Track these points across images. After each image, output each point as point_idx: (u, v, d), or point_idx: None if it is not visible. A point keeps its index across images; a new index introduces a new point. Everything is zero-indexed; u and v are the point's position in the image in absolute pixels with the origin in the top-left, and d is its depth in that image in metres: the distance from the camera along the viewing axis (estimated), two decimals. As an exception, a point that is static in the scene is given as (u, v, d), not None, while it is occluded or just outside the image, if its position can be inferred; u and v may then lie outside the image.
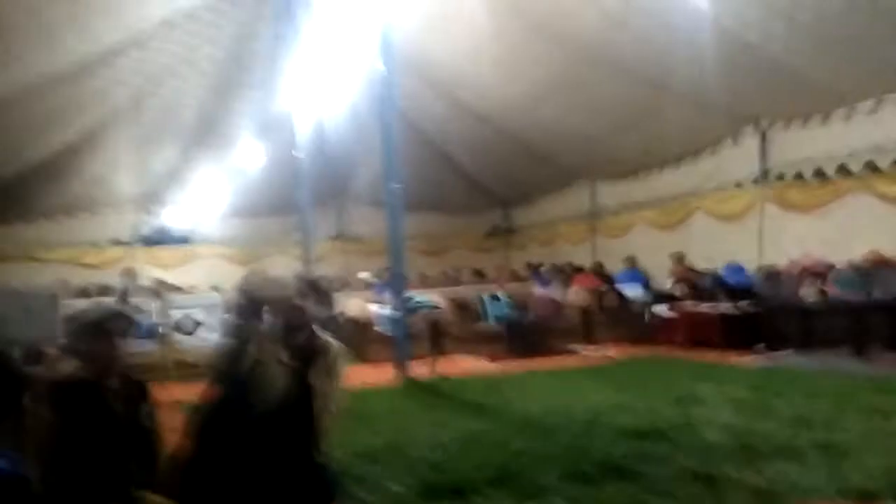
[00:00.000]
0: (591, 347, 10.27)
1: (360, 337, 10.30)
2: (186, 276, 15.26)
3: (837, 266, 9.10)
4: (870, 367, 7.12)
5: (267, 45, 12.27)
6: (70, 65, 10.16)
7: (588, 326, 11.07)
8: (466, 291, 12.00)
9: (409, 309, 8.94)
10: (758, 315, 9.39)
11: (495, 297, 11.32)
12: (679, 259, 11.62)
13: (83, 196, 14.51)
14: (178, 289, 13.61)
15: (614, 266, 13.23)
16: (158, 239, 15.74)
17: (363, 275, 14.30)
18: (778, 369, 7.49)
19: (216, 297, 10.55)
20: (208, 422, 3.13)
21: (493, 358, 9.62)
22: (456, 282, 14.48)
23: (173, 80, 12.20)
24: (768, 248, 10.50)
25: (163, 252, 15.73)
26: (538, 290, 11.90)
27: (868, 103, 9.08)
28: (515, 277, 14.67)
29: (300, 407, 3.21)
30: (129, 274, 13.38)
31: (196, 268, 15.70)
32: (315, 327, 3.40)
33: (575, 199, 15.24)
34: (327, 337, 3.43)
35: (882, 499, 3.36)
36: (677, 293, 10.85)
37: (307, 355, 3.31)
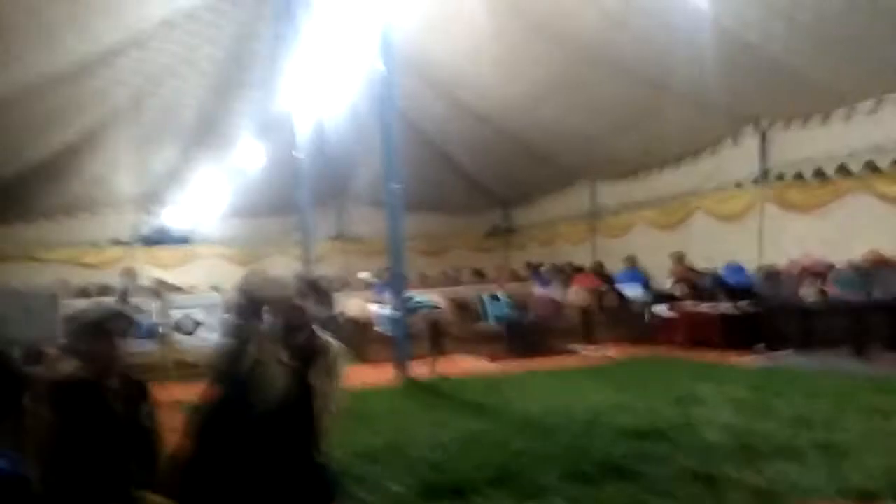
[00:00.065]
0: (591, 347, 10.27)
1: (360, 337, 10.30)
2: (186, 276, 15.26)
3: (837, 266, 9.11)
4: (870, 367, 7.12)
5: (267, 45, 12.27)
6: (70, 65, 10.16)
7: (588, 326, 11.07)
8: (466, 291, 12.00)
9: (409, 309, 8.94)
10: (758, 315, 9.39)
11: (495, 297, 11.32)
12: (679, 259, 11.62)
13: (83, 196, 14.52)
14: (178, 289, 13.61)
15: (614, 266, 13.24)
16: (158, 239, 15.75)
17: (363, 275, 14.31)
18: (778, 369, 7.49)
19: (216, 297, 10.55)
20: (208, 422, 3.13)
21: (493, 358, 9.62)
22: (456, 282, 14.48)
23: (173, 80, 12.21)
24: (768, 248, 10.51)
25: (163, 252, 15.73)
26: (538, 290, 11.90)
27: (868, 103, 9.08)
28: (515, 277, 14.67)
29: (300, 407, 3.20)
30: (129, 274, 13.39)
31: (196, 268, 15.70)
32: (315, 327, 3.40)
33: (575, 199, 15.24)
34: (327, 337, 3.43)
35: (882, 499, 3.36)
36: (677, 293, 10.85)
37: (307, 355, 3.31)
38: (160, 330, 9.07)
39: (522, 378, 7.79)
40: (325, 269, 14.39)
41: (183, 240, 15.99)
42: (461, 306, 11.12)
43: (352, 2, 9.93)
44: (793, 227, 10.16)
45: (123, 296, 9.28)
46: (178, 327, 9.13)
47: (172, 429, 3.24)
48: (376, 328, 10.16)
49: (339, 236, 17.15)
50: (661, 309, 10.68)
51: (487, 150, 14.54)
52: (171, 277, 14.84)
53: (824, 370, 7.07)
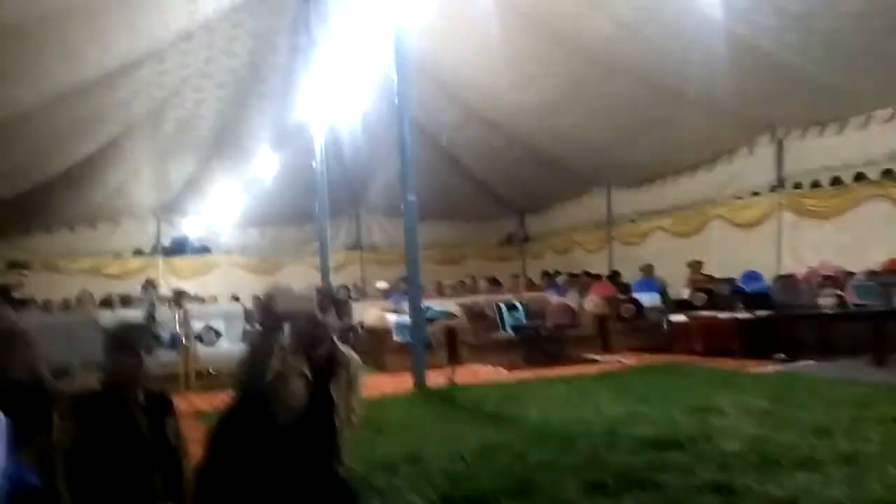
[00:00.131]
0: (608, 356, 10.24)
1: (377, 346, 10.34)
2: (205, 285, 15.41)
3: (855, 274, 9.05)
4: (890, 376, 7.05)
5: (283, 56, 12.41)
6: (91, 78, 10.34)
7: (604, 335, 11.04)
8: (482, 300, 12.01)
9: (426, 318, 8.96)
10: (776, 323, 9.33)
11: (511, 306, 11.32)
12: (696, 267, 11.58)
13: (104, 207, 14.70)
14: (197, 299, 13.74)
15: (630, 274, 13.21)
16: (178, 249, 15.91)
17: (379, 284, 14.37)
18: (796, 378, 7.43)
19: (236, 308, 10.64)
20: (229, 433, 3.16)
21: (510, 367, 9.61)
22: (472, 291, 14.50)
23: (192, 92, 12.38)
24: (785, 255, 10.47)
25: (182, 262, 15.89)
26: (554, 299, 11.88)
27: (886, 111, 9.04)
28: (531, 286, 14.67)
29: (320, 419, 3.23)
30: (150, 285, 13.52)
31: (215, 277, 15.85)
32: (335, 340, 3.43)
33: (590, 207, 15.24)
34: (347, 349, 3.46)
35: (905, 511, 3.34)
36: (694, 301, 10.80)
37: (327, 368, 3.34)
38: (181, 341, 9.14)
39: (539, 387, 7.77)
40: (342, 279, 14.47)
41: (202, 250, 16.15)
42: (477, 315, 11.13)
43: (366, 13, 10.00)
44: (810, 234, 10.12)
45: (151, 311, 9.34)
46: (198, 337, 9.19)
47: (194, 440, 3.28)
48: (393, 337, 10.18)
49: (356, 245, 17.24)
50: (678, 317, 10.63)
51: (502, 158, 14.58)
52: (190, 287, 14.98)
53: (843, 379, 7.01)
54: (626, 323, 11.23)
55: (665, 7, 8.65)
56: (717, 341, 9.67)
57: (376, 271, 15.74)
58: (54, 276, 14.52)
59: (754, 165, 11.10)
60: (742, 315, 9.63)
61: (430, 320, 9.62)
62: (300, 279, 14.50)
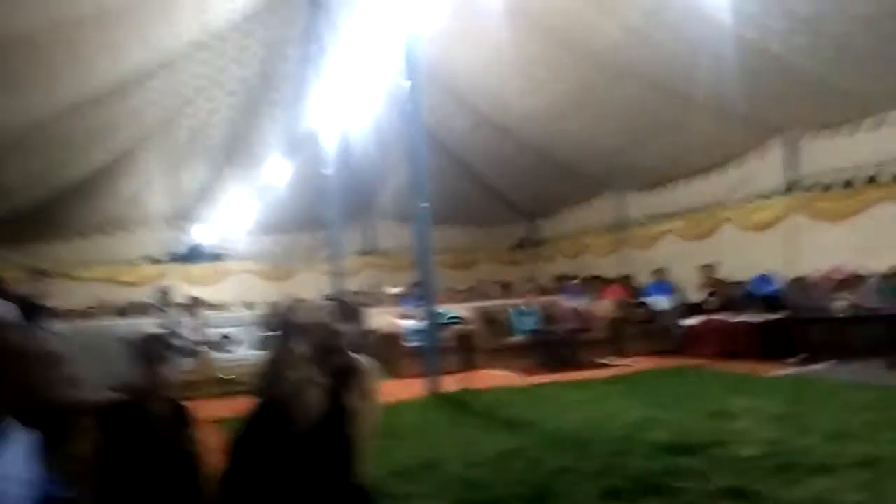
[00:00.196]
0: (621, 360, 10.23)
1: (389, 352, 10.36)
2: (218, 292, 15.46)
3: (868, 276, 9.00)
4: (906, 379, 7.02)
5: (294, 65, 12.49)
6: (104, 87, 10.43)
7: (618, 339, 11.03)
8: (494, 305, 12.02)
9: (438, 323, 8.99)
10: (790, 326, 9.30)
11: (523, 311, 11.33)
12: (708, 270, 11.55)
13: (118, 215, 14.81)
14: (211, 305, 13.81)
15: (642, 277, 13.19)
16: (191, 256, 16.00)
17: (391, 289, 14.40)
18: (811, 381, 7.41)
19: (249, 315, 10.70)
20: (250, 443, 3.19)
21: (523, 372, 9.61)
22: (483, 295, 14.50)
23: (204, 101, 12.46)
24: (798, 258, 10.41)
25: (195, 269, 15.96)
26: (566, 303, 11.88)
27: (897, 112, 9.00)
28: (543, 290, 14.66)
29: (336, 428, 3.25)
30: (164, 292, 13.60)
31: (227, 284, 15.91)
32: (350, 349, 3.46)
33: (601, 211, 15.22)
34: (361, 357, 3.48)
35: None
36: (707, 304, 10.77)
37: (342, 376, 3.36)
38: (195, 347, 9.19)
39: (553, 392, 7.78)
40: (354, 285, 14.51)
41: (214, 256, 16.23)
42: (490, 320, 11.15)
43: (376, 20, 10.06)
44: (822, 237, 10.07)
45: (168, 320, 9.40)
46: (212, 344, 9.25)
47: (212, 446, 3.31)
48: (405, 343, 10.21)
49: (367, 251, 17.28)
50: (691, 321, 10.61)
51: (512, 162, 14.59)
52: (203, 294, 15.04)
53: (859, 382, 6.98)
54: (639, 327, 11.21)
55: (674, 11, 8.65)
56: (731, 345, 9.66)
57: (387, 276, 15.76)
58: (69, 284, 14.61)
59: (765, 168, 11.07)
60: (756, 318, 9.60)
61: (444, 325, 9.63)
62: (312, 285, 14.57)
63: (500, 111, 13.00)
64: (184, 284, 15.35)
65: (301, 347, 3.32)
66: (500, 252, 18.23)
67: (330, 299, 12.24)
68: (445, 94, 12.36)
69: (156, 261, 15.79)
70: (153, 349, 3.12)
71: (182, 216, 15.95)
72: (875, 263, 9.02)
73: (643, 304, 11.59)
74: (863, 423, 5.10)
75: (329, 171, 12.58)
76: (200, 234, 16.20)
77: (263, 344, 8.74)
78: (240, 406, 3.30)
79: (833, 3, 7.62)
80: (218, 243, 16.29)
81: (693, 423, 5.52)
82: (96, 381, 2.95)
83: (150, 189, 14.31)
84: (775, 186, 10.92)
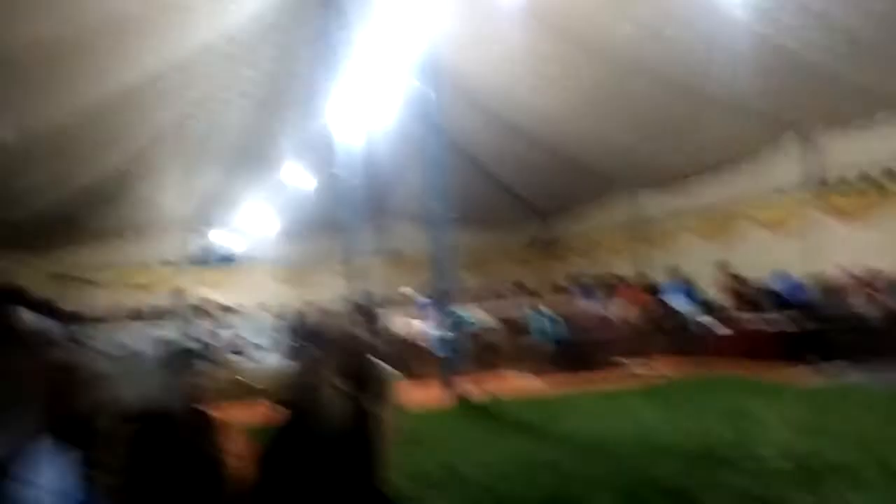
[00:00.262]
0: (639, 361, 10.15)
1: (406, 354, 10.34)
2: (234, 295, 15.53)
3: (889, 274, 8.87)
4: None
5: (307, 66, 12.49)
6: (121, 93, 10.49)
7: (635, 340, 10.95)
8: (510, 306, 11.99)
9: (455, 325, 8.96)
10: (811, 327, 9.17)
11: (541, 313, 11.28)
12: (725, 269, 11.46)
13: (133, 218, 14.89)
14: (228, 308, 13.85)
15: (658, 275, 13.11)
16: (206, 259, 16.06)
17: (407, 291, 14.38)
18: (833, 385, 7.33)
19: (265, 318, 10.72)
20: (280, 453, 3.19)
21: (541, 374, 9.58)
22: (498, 296, 14.46)
23: (217, 104, 12.49)
24: (816, 256, 10.31)
25: (211, 272, 16.02)
26: (582, 304, 11.82)
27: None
28: (558, 290, 14.60)
29: (357, 433, 3.25)
30: (180, 295, 13.67)
31: (243, 287, 15.96)
32: (372, 356, 3.46)
33: (616, 209, 15.15)
34: (380, 363, 3.49)
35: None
36: (725, 304, 10.68)
37: (365, 384, 3.36)
38: (213, 351, 9.23)
39: (571, 395, 7.75)
40: (369, 286, 14.51)
41: (230, 259, 16.29)
42: (506, 322, 11.12)
43: (391, 23, 10.06)
44: (840, 234, 9.98)
45: (188, 326, 9.44)
46: (229, 347, 9.27)
47: (234, 453, 3.31)
48: (422, 344, 10.20)
49: (383, 253, 17.25)
50: (710, 321, 10.51)
51: (525, 162, 14.54)
52: (219, 297, 15.12)
53: (882, 385, 6.88)
54: (656, 327, 11.12)
55: (686, 8, 8.59)
56: (751, 346, 9.56)
57: (402, 278, 15.74)
58: (85, 287, 14.71)
59: (782, 164, 10.98)
60: (775, 318, 9.49)
61: (463, 328, 9.61)
62: (329, 288, 14.60)
63: (513, 110, 12.96)
64: (201, 288, 15.43)
65: (325, 356, 3.33)
66: (513, 251, 18.18)
67: (348, 303, 12.28)
68: (459, 95, 12.31)
69: (173, 264, 15.86)
70: (180, 359, 3.12)
71: (199, 220, 16.01)
72: (894, 261, 8.89)
73: (663, 305, 11.48)
74: (887, 429, 5.05)
75: (344, 172, 12.58)
76: (217, 237, 16.26)
77: (281, 347, 8.78)
78: (260, 410, 3.30)
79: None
80: (235, 247, 16.34)
81: (713, 428, 5.46)
82: (130, 393, 2.96)
83: (167, 193, 14.37)
84: (792, 183, 10.82)
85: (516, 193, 16.86)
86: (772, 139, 11.07)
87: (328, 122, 12.69)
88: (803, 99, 9.77)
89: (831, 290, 9.53)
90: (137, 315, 13.26)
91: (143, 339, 8.29)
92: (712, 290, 11.60)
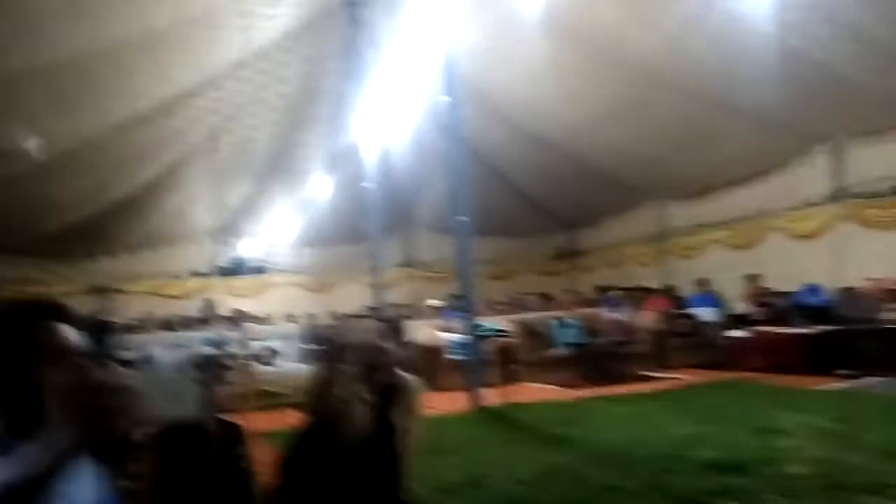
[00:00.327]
0: (666, 373, 10.08)
1: (429, 364, 10.37)
2: (262, 305, 15.73)
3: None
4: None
5: (334, 80, 12.67)
6: (151, 107, 10.74)
7: (661, 351, 10.89)
8: (534, 317, 11.97)
9: (479, 335, 8.99)
10: (839, 338, 9.07)
11: (565, 323, 11.26)
12: (753, 280, 11.36)
13: (163, 230, 15.17)
14: (255, 318, 14.02)
15: (685, 288, 13.02)
16: (235, 269, 16.30)
17: (431, 301, 14.44)
18: (862, 396, 7.23)
19: (292, 327, 10.83)
20: (301, 460, 3.25)
21: (565, 385, 9.55)
22: (523, 307, 14.45)
23: (246, 118, 12.72)
24: (845, 267, 10.19)
25: (239, 282, 16.26)
26: (608, 314, 11.77)
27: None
28: (583, 301, 14.56)
29: (382, 445, 3.29)
30: (208, 305, 13.86)
31: (271, 296, 16.17)
32: (396, 367, 3.50)
33: (642, 220, 15.09)
34: (406, 375, 3.52)
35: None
36: (753, 315, 10.58)
37: (388, 394, 3.40)
38: (240, 360, 9.34)
39: (596, 406, 7.71)
40: (393, 296, 14.61)
41: (258, 270, 16.52)
42: (530, 332, 11.10)
43: (415, 36, 10.16)
44: (869, 245, 9.84)
45: (217, 337, 9.58)
46: (256, 357, 9.38)
47: (259, 461, 3.37)
48: (447, 356, 10.22)
49: (407, 263, 17.36)
50: (737, 332, 10.42)
51: (550, 173, 14.56)
52: (247, 306, 15.32)
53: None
54: (683, 339, 11.05)
55: (713, 20, 8.58)
56: (779, 357, 9.43)
57: (426, 288, 15.82)
58: (118, 297, 14.97)
59: (809, 176, 10.89)
60: (804, 330, 9.39)
61: (485, 338, 9.62)
62: (354, 298, 14.72)
63: (538, 122, 13.00)
64: (228, 297, 15.64)
65: (349, 366, 3.38)
66: (538, 262, 18.17)
67: (373, 313, 12.36)
68: (484, 107, 12.39)
69: (201, 274, 16.11)
70: (209, 370, 3.20)
71: (226, 230, 16.25)
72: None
73: (687, 315, 11.41)
74: (918, 441, 4.97)
75: (370, 184, 12.70)
76: (244, 247, 16.49)
77: (308, 357, 8.86)
78: (285, 419, 3.37)
79: (876, 9, 7.49)
80: (261, 257, 16.56)
81: (740, 440, 5.42)
82: (165, 408, 3.05)
83: (195, 204, 14.63)
84: (820, 195, 10.72)
85: (541, 204, 16.86)
86: (800, 150, 10.98)
87: (354, 134, 12.83)
88: (831, 110, 9.70)
89: (859, 301, 9.41)
90: (167, 325, 13.46)
91: (173, 349, 8.41)
92: (739, 302, 11.49)
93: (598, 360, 10.33)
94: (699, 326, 11.26)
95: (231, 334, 10.13)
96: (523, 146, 13.72)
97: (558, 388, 9.46)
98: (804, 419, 5.94)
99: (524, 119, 13.12)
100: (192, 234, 15.85)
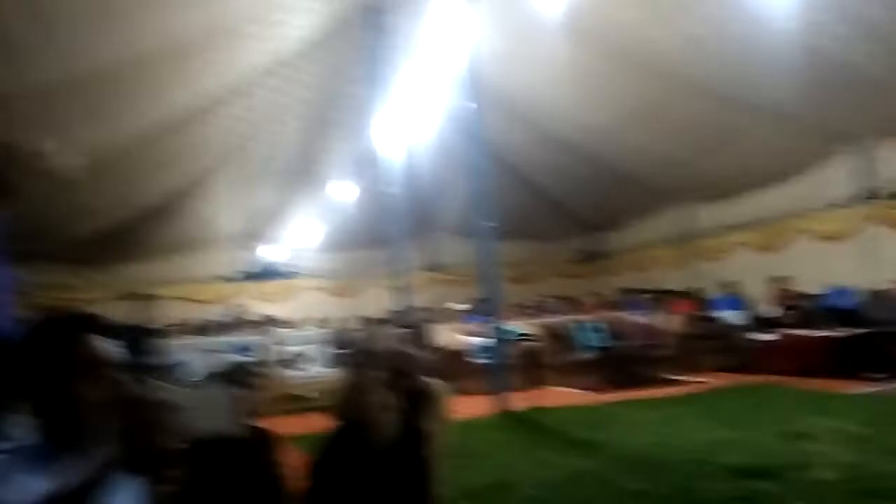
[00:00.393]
0: (692, 377, 10.01)
1: (453, 367, 10.39)
2: (288, 309, 15.85)
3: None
4: None
5: (358, 86, 12.75)
6: (180, 115, 10.89)
7: (687, 354, 10.81)
8: (558, 320, 11.95)
9: (503, 339, 9.00)
10: (867, 341, 8.95)
11: (592, 327, 11.23)
12: (780, 282, 11.25)
13: (192, 235, 15.33)
14: (282, 322, 14.14)
15: (711, 291, 12.92)
16: (261, 274, 16.46)
17: (454, 305, 14.47)
18: (891, 400, 7.13)
19: (320, 332, 10.90)
20: (331, 464, 3.30)
21: (590, 388, 9.53)
22: (547, 310, 14.43)
23: (272, 125, 12.84)
24: (871, 267, 10.05)
25: (265, 286, 16.41)
26: (633, 317, 11.72)
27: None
28: (607, 304, 14.50)
29: (410, 450, 3.33)
30: (234, 309, 14.01)
31: (297, 301, 16.29)
32: (422, 373, 3.54)
33: (666, 223, 14.98)
34: (432, 380, 3.56)
35: None
36: (779, 318, 10.47)
37: (415, 400, 3.44)
38: (266, 364, 9.44)
39: (621, 410, 7.69)
40: (417, 300, 14.65)
41: (284, 274, 16.67)
42: (554, 335, 11.09)
43: (438, 42, 10.21)
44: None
45: (247, 342, 9.67)
46: (284, 361, 9.48)
47: (289, 465, 3.41)
48: (471, 359, 10.24)
49: (429, 267, 17.40)
50: (763, 335, 10.32)
51: (574, 176, 14.53)
52: (273, 310, 15.46)
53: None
54: (709, 342, 10.96)
55: (735, 20, 8.52)
56: (807, 361, 9.32)
57: (449, 292, 15.85)
58: (146, 302, 15.17)
59: (836, 177, 10.76)
60: (832, 333, 9.27)
61: (510, 342, 9.63)
62: (378, 301, 14.80)
63: (560, 125, 12.99)
64: (255, 302, 15.79)
65: (376, 372, 3.43)
66: (561, 265, 18.11)
67: (396, 316, 12.42)
68: (505, 110, 12.41)
69: (228, 279, 16.28)
70: (238, 376, 3.26)
71: (252, 236, 16.40)
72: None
73: (713, 318, 11.32)
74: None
75: (393, 189, 12.76)
76: (271, 252, 16.65)
77: (335, 361, 8.93)
78: (313, 423, 3.41)
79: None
80: (287, 261, 16.71)
81: (769, 445, 5.39)
82: (199, 421, 3.10)
83: (222, 210, 14.78)
84: (847, 196, 10.60)
85: (564, 207, 16.80)
86: (825, 151, 10.86)
87: (377, 139, 12.90)
88: (856, 110, 9.59)
89: (889, 303, 9.28)
90: (197, 329, 13.62)
91: (203, 354, 8.52)
92: (766, 304, 11.39)
93: (622, 363, 10.29)
94: (725, 329, 11.16)
95: (259, 339, 10.22)
96: (546, 149, 13.72)
97: (583, 391, 9.44)
98: (832, 423, 5.89)
99: (546, 122, 13.11)
100: (220, 240, 16.00)
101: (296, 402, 8.88)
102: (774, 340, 10.03)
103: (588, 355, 10.76)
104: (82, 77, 8.87)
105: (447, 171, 13.18)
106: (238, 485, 3.10)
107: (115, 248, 14.39)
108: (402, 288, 13.02)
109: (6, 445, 1.46)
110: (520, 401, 8.26)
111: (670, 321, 11.29)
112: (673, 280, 14.36)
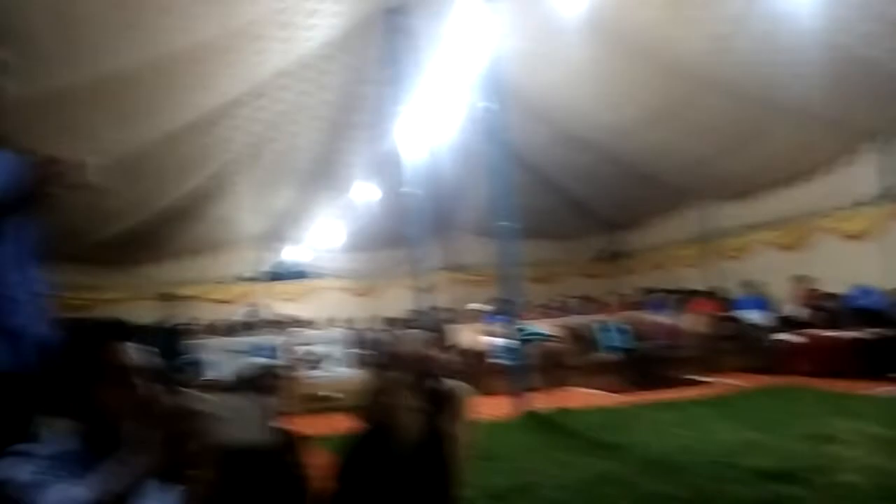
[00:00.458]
0: (713, 377, 9.94)
1: (474, 368, 10.40)
2: (307, 309, 15.95)
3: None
4: None
5: (376, 86, 12.81)
6: (198, 117, 11.00)
7: (711, 355, 10.72)
8: (578, 320, 11.91)
9: (523, 339, 8.99)
10: (894, 342, 8.83)
11: (609, 326, 11.19)
12: (803, 282, 11.13)
13: (211, 236, 15.49)
14: (303, 322, 14.23)
15: (732, 290, 12.82)
16: (284, 275, 16.59)
17: (474, 305, 14.48)
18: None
19: (340, 332, 10.96)
20: (357, 466, 3.33)
21: (611, 389, 9.49)
22: (569, 310, 14.39)
23: (290, 126, 12.93)
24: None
25: (289, 287, 16.53)
26: (653, 317, 11.65)
27: None
28: (628, 304, 14.44)
29: (433, 452, 3.36)
30: (255, 310, 14.13)
31: (316, 301, 16.39)
32: (444, 375, 3.57)
33: (687, 222, 14.88)
34: (455, 382, 3.59)
35: None
36: (803, 318, 10.37)
37: (438, 402, 3.47)
38: (289, 365, 9.51)
39: (643, 411, 7.65)
40: (438, 300, 14.67)
41: (303, 275, 16.78)
42: (575, 336, 11.06)
43: (457, 41, 10.23)
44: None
45: (268, 343, 9.75)
46: (305, 361, 9.54)
47: (312, 465, 3.45)
48: (490, 359, 10.25)
49: (449, 267, 17.40)
50: (786, 335, 10.22)
51: (593, 174, 14.49)
52: (294, 310, 15.57)
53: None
54: (731, 342, 10.87)
55: (758, 18, 8.46)
56: (831, 362, 9.22)
57: (469, 292, 15.85)
58: (165, 303, 15.34)
59: (859, 175, 10.62)
60: (857, 333, 9.16)
61: (529, 342, 9.63)
62: (398, 301, 14.85)
63: (580, 124, 12.95)
64: (278, 302, 15.92)
65: (399, 375, 3.46)
66: (581, 264, 18.05)
67: (416, 315, 12.45)
68: (526, 110, 12.38)
69: (248, 280, 16.41)
70: (263, 380, 3.30)
71: (273, 237, 16.53)
72: None
73: (737, 319, 11.22)
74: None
75: (415, 189, 12.80)
76: (294, 253, 16.76)
77: (356, 362, 8.98)
78: (335, 423, 3.45)
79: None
80: (310, 262, 16.82)
81: (793, 447, 5.34)
82: (231, 429, 3.14)
83: (242, 211, 14.91)
84: (871, 194, 10.47)
85: (584, 206, 16.76)
86: (849, 149, 10.74)
87: (396, 139, 12.95)
88: (880, 107, 9.48)
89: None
90: (219, 329, 13.74)
91: (227, 355, 8.62)
92: (789, 304, 11.28)
93: (644, 364, 10.23)
94: (747, 329, 11.07)
95: (283, 339, 10.31)
96: (566, 148, 13.69)
97: (605, 392, 9.41)
98: (858, 426, 5.82)
99: (567, 121, 13.08)
100: (243, 241, 16.15)
101: (321, 402, 8.93)
102: (798, 341, 9.93)
103: (611, 356, 10.71)
104: (106, 80, 8.99)
105: (468, 171, 13.18)
106: (266, 490, 3.14)
107: (139, 250, 14.57)
108: (424, 288, 13.06)
109: (48, 451, 1.50)
110: (542, 402, 8.24)
111: (694, 322, 11.20)
112: (695, 280, 14.26)
